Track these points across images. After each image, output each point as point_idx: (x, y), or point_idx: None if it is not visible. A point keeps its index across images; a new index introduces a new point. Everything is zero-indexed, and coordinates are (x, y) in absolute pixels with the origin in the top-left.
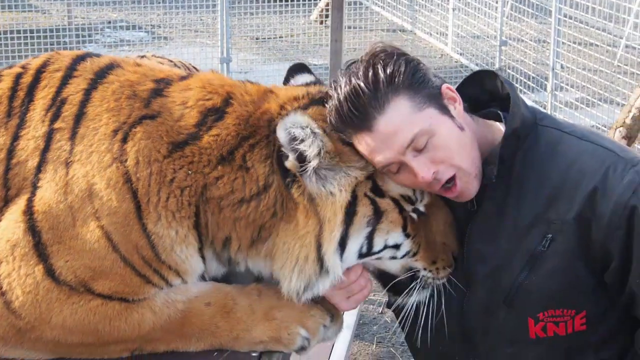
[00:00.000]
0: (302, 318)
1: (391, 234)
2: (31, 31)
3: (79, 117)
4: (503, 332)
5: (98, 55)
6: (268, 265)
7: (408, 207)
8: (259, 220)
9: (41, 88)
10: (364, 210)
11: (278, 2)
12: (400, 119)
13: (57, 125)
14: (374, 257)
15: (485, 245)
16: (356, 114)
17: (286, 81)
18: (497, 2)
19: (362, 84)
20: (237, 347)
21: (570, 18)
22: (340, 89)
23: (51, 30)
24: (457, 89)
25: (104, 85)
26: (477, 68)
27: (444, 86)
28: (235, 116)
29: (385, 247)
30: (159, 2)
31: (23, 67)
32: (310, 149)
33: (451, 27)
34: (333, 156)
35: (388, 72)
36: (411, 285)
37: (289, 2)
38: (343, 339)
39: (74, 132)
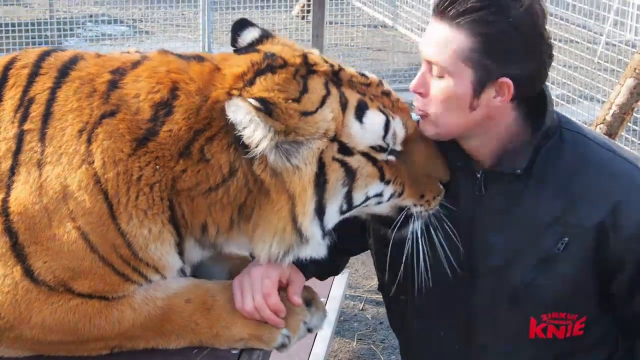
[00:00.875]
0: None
1: (369, 186)
2: (12, 25)
3: (47, 117)
4: (503, 329)
5: (63, 50)
6: (253, 238)
7: (381, 156)
8: (235, 201)
9: (9, 87)
10: (335, 175)
11: None
12: (447, 42)
13: (26, 126)
14: (357, 209)
15: (495, 236)
16: (446, 2)
17: (233, 41)
18: None
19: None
20: (217, 344)
21: (551, 15)
22: None
23: (32, 24)
24: None
25: (67, 84)
26: None
27: (505, 80)
28: (184, 110)
29: (367, 198)
30: None
31: None
32: (254, 135)
33: None
34: (288, 133)
35: (488, 19)
36: (402, 220)
37: None
38: (323, 336)
39: (43, 133)
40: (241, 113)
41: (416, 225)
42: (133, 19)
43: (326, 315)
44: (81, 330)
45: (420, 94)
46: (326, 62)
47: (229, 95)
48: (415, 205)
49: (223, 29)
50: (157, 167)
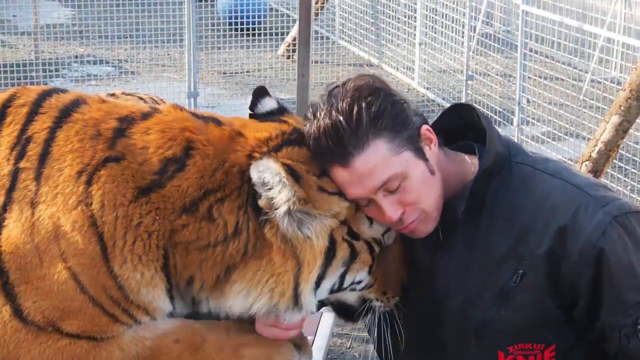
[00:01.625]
0: (271, 355)
1: (360, 272)
2: None
3: (44, 156)
4: None
5: (64, 91)
6: (242, 298)
7: (377, 249)
8: (227, 261)
9: (7, 124)
10: (342, 253)
11: (245, 37)
12: (376, 161)
13: (22, 164)
14: (340, 292)
15: (454, 279)
16: (334, 148)
17: (253, 106)
18: (463, 37)
19: (343, 121)
20: None
21: (536, 52)
22: (321, 119)
23: (18, 65)
24: (434, 122)
25: (69, 125)
26: (443, 102)
27: (424, 128)
28: (197, 169)
29: (352, 283)
30: (126, 37)
31: None
32: (279, 196)
33: (418, 62)
34: (306, 202)
35: (372, 111)
36: (359, 310)
37: (256, 37)
38: None
39: (39, 172)
40: (270, 173)
41: (370, 318)
42: (119, 59)
43: (311, 358)
44: None
45: (402, 214)
46: None
47: (250, 157)
48: (377, 299)
49: (209, 69)
50: (157, 217)
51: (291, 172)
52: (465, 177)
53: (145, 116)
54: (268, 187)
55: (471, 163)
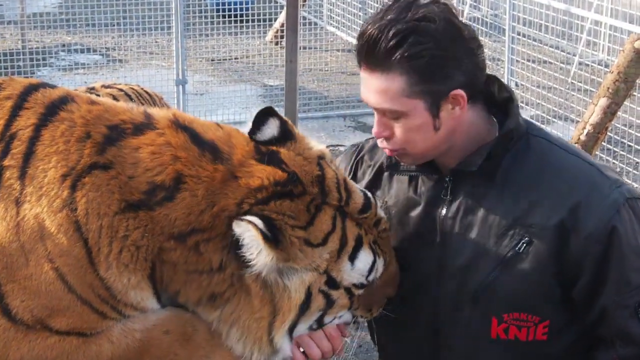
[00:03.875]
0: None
1: (340, 313)
2: None
3: (28, 155)
4: (467, 329)
5: (52, 86)
6: (221, 328)
7: (358, 292)
8: (212, 288)
9: None
10: (317, 304)
11: (233, 24)
12: (385, 89)
13: (6, 162)
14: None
15: (457, 238)
16: (365, 51)
17: (252, 132)
18: None
19: (385, 39)
20: None
21: (524, 36)
22: (378, 21)
23: (5, 55)
24: None
25: (54, 124)
26: None
27: (457, 92)
28: (185, 206)
29: (332, 320)
30: (114, 25)
31: None
32: (257, 259)
33: None
34: (287, 260)
35: (412, 51)
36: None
37: (244, 24)
38: None
39: (24, 171)
40: (248, 237)
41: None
42: (106, 48)
43: None
44: None
45: (386, 137)
46: (338, 188)
47: (240, 206)
48: (362, 316)
49: (197, 56)
50: (146, 234)
51: (272, 232)
52: (485, 138)
53: (137, 130)
54: (247, 247)
55: (489, 129)
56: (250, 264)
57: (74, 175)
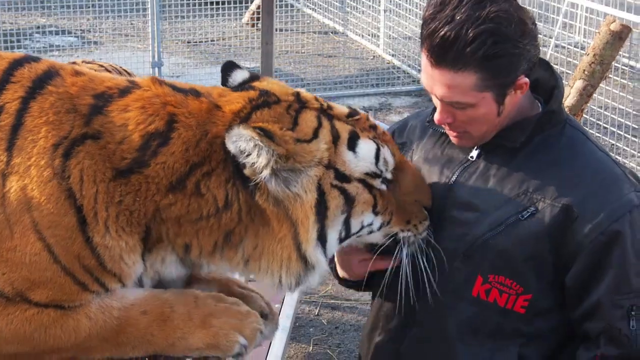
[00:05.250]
0: (239, 325)
1: (365, 214)
2: None
3: (17, 127)
4: (450, 281)
5: (36, 59)
6: (250, 268)
7: (376, 183)
8: (224, 228)
9: None
10: (335, 202)
11: (209, 6)
12: (457, 86)
13: None
14: (353, 238)
15: (470, 195)
16: (437, 50)
17: (224, 82)
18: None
19: (463, 41)
20: (173, 353)
21: None
22: (452, 20)
23: None
24: None
25: (43, 97)
26: (409, 69)
27: (522, 79)
28: (182, 142)
29: (362, 227)
30: (89, 7)
31: None
32: (259, 160)
33: (383, 29)
34: (287, 159)
35: (490, 53)
36: (396, 250)
37: (220, 6)
38: (279, 341)
39: (11, 143)
40: (244, 140)
41: (404, 253)
42: (81, 30)
43: (278, 327)
44: (37, 340)
45: (449, 122)
46: (317, 100)
47: (230, 127)
48: (402, 230)
49: (172, 38)
50: (137, 199)
51: (264, 132)
52: (524, 115)
53: (124, 92)
54: (246, 154)
55: (533, 109)
56: (255, 174)
57: (66, 144)
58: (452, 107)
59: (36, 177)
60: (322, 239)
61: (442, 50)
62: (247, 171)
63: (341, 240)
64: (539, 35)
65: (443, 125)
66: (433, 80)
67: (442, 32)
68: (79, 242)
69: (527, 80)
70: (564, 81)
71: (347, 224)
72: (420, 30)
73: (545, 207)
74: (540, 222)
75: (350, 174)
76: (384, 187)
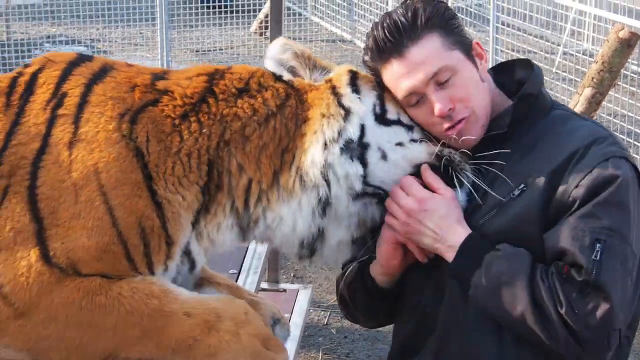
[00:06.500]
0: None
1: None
2: None
3: (82, 104)
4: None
5: (90, 59)
6: (292, 193)
7: None
8: (285, 138)
9: (40, 85)
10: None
11: (217, 15)
12: (430, 51)
13: (60, 112)
14: (392, 129)
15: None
16: (391, 39)
17: None
18: None
19: (401, 17)
20: None
21: (508, 26)
22: (379, 23)
23: None
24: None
25: (104, 82)
26: None
27: (474, 41)
28: (241, 67)
29: (399, 119)
30: (98, 17)
31: (18, 72)
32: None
33: None
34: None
35: (428, 10)
36: (450, 174)
37: (229, 14)
38: (289, 351)
39: (78, 117)
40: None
41: (469, 179)
42: (91, 39)
43: (289, 332)
44: (84, 310)
45: (450, 110)
46: None
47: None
48: (442, 149)
49: (181, 47)
50: (203, 130)
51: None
52: (503, 106)
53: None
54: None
55: (505, 100)
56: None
57: (131, 112)
58: (443, 88)
59: (104, 140)
60: (356, 90)
61: (399, 34)
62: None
63: (376, 116)
64: (547, 43)
65: (446, 123)
66: (409, 69)
67: (386, 22)
68: (145, 197)
69: (479, 42)
70: (572, 89)
71: (380, 98)
72: (367, 57)
73: (532, 181)
74: (530, 195)
75: None
76: None
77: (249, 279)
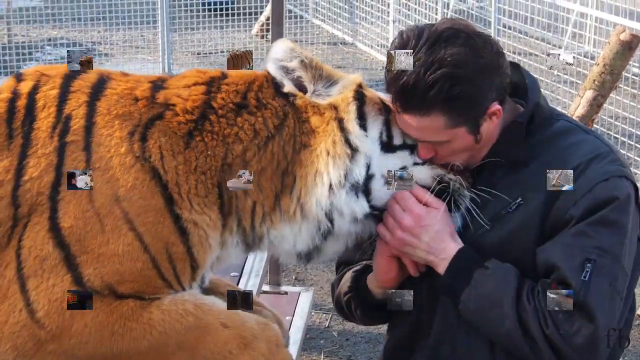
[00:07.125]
0: None
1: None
2: None
3: (89, 128)
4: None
5: (84, 70)
6: (293, 219)
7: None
8: (283, 162)
9: (40, 108)
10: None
11: (219, 17)
12: (428, 127)
13: (68, 138)
14: (397, 155)
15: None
16: (402, 97)
17: None
18: (436, 14)
19: (422, 87)
20: None
21: (510, 28)
22: (409, 67)
23: None
24: None
25: (106, 97)
26: None
27: (494, 106)
28: (235, 74)
29: (404, 142)
30: (99, 19)
31: (12, 92)
32: (292, 62)
33: (392, 39)
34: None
35: (450, 94)
36: (445, 195)
37: (230, 17)
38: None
39: (88, 142)
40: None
41: (466, 201)
42: (92, 42)
43: (289, 342)
44: (116, 334)
45: (433, 156)
46: None
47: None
48: (446, 174)
49: (182, 50)
50: (208, 152)
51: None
52: (514, 113)
53: (172, 77)
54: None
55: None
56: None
57: (140, 130)
58: (430, 144)
59: (119, 166)
60: (363, 126)
61: (405, 96)
62: (286, 89)
63: (383, 144)
64: (548, 46)
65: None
66: (405, 124)
67: (403, 80)
68: (168, 224)
69: (499, 107)
70: (574, 91)
71: (387, 125)
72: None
73: (529, 195)
74: (528, 209)
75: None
76: None
77: (251, 282)
